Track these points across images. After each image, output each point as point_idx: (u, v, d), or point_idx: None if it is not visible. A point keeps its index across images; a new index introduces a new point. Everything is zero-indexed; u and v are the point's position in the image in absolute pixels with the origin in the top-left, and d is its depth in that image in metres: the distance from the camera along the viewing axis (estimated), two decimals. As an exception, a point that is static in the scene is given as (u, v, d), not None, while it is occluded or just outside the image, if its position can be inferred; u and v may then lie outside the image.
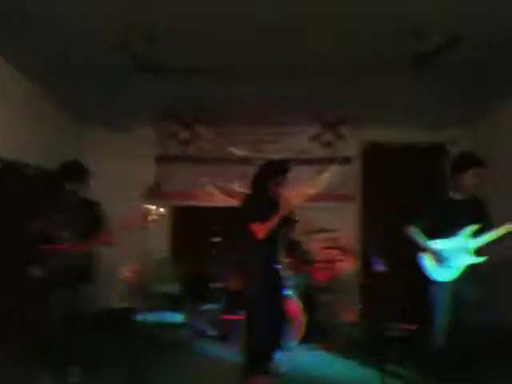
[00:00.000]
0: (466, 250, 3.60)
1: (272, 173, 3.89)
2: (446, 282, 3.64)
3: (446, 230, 3.70)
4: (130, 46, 4.60)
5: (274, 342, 3.97)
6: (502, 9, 4.13)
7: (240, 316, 4.79)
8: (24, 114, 5.06)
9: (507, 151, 5.43)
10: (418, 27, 4.58)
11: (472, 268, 3.60)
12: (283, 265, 4.02)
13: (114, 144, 6.42)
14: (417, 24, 4.52)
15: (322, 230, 5.40)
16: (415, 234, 3.81)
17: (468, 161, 3.74)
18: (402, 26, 4.53)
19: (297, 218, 4.04)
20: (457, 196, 3.77)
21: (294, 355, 4.20)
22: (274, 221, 3.71)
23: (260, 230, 3.71)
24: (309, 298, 4.99)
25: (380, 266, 3.91)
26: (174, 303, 5.48)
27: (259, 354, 3.84)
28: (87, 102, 6.05)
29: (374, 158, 6.55)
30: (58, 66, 5.33)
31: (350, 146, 6.54)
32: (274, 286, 3.90)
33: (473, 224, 3.59)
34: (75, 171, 4.03)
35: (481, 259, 3.57)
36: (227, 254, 5.37)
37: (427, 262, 3.77)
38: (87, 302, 4.06)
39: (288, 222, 3.94)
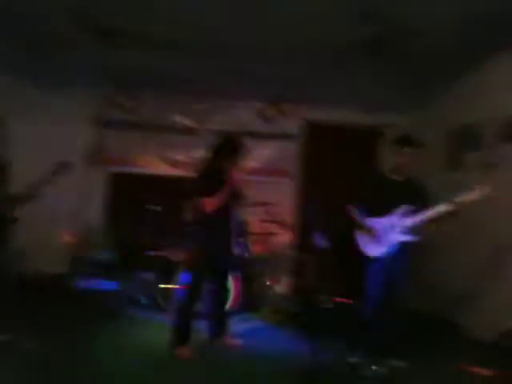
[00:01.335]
0: (399, 229, 3.77)
1: (229, 150, 3.96)
2: (379, 258, 3.82)
3: (382, 208, 3.84)
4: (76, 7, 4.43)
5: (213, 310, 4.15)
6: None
7: (174, 285, 4.91)
8: None
9: (438, 140, 5.74)
10: (364, 12, 4.71)
11: (405, 245, 3.78)
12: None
13: (52, 105, 6.15)
14: (363, 9, 4.64)
15: (260, 204, 5.49)
16: (353, 211, 3.99)
17: (401, 141, 3.95)
18: (349, 11, 4.64)
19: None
20: (394, 177, 3.94)
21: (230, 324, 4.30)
22: (223, 195, 3.81)
23: (209, 203, 3.80)
24: (244, 269, 5.12)
25: (323, 242, 4.04)
26: (109, 271, 5.44)
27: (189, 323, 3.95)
28: (28, 59, 5.78)
29: (314, 136, 6.72)
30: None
31: (292, 123, 6.67)
32: (222, 257, 4.05)
33: (408, 203, 3.74)
34: None
35: (412, 238, 3.75)
36: (165, 222, 5.39)
37: (362, 239, 3.96)
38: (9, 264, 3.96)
39: (236, 196, 4.03)
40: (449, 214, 3.58)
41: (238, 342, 4.15)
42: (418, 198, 3.77)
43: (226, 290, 4.30)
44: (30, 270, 5.18)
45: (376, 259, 3.83)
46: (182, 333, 3.89)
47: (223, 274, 4.20)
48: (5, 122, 3.91)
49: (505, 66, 4.71)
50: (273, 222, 5.38)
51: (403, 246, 3.77)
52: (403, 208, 3.75)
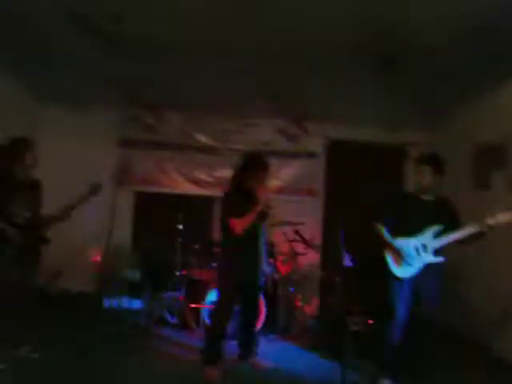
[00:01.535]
0: (427, 249, 3.73)
1: (254, 168, 3.95)
2: (405, 279, 3.78)
3: (408, 227, 3.81)
4: (94, 22, 4.49)
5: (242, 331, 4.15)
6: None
7: (201, 304, 4.91)
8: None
9: (464, 158, 5.71)
10: (385, 30, 4.73)
11: (432, 267, 3.74)
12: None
13: (76, 125, 6.24)
14: (385, 26, 4.67)
15: (286, 223, 5.49)
16: (380, 230, 3.96)
17: (421, 159, 3.95)
18: (370, 28, 4.67)
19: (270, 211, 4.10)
20: (422, 196, 3.92)
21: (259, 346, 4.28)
22: (252, 216, 3.79)
23: (238, 225, 3.78)
24: (271, 290, 5.10)
25: (349, 262, 4.03)
26: (135, 289, 5.45)
27: (220, 343, 3.93)
28: (48, 79, 5.88)
29: (338, 154, 6.73)
30: (16, 39, 5.14)
31: (315, 142, 6.69)
32: (251, 280, 4.03)
33: (436, 224, 3.70)
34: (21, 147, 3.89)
35: (440, 259, 3.72)
36: (192, 242, 5.41)
37: (389, 259, 3.93)
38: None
39: (264, 215, 4.01)
40: (477, 236, 3.53)
41: (267, 363, 4.12)
42: (447, 219, 3.72)
43: (254, 311, 4.27)
44: (59, 288, 5.22)
45: (403, 280, 3.78)
46: (211, 353, 3.88)
47: (252, 295, 4.17)
48: (35, 144, 3.98)
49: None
50: (299, 241, 5.36)
51: (432, 267, 3.71)
52: (432, 228, 3.71)
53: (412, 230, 3.79)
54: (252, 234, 3.92)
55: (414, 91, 6.03)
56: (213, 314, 3.98)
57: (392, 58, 5.25)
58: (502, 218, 3.42)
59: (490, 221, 3.44)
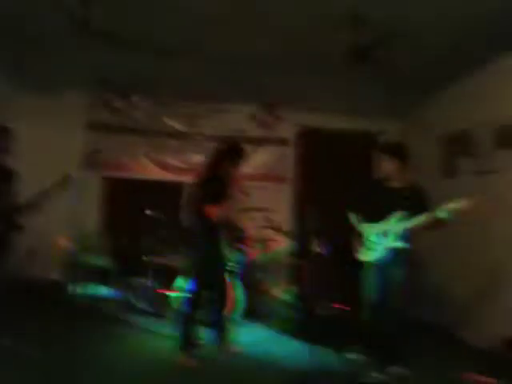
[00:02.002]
0: (389, 235, 3.78)
1: (232, 156, 4.01)
2: (372, 264, 3.85)
3: (377, 214, 3.87)
4: (66, 6, 4.38)
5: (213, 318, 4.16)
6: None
7: (171, 290, 4.89)
8: None
9: (432, 147, 5.81)
10: (356, 20, 4.75)
11: (400, 252, 3.80)
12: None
13: (43, 110, 6.06)
14: (353, 14, 4.69)
15: (256, 209, 5.50)
16: (351, 216, 4.03)
17: (383, 148, 4.06)
18: (344, 16, 4.68)
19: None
20: (391, 183, 3.96)
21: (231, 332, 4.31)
22: (229, 204, 3.87)
23: (215, 212, 3.82)
24: (242, 275, 5.12)
25: (323, 249, 4.07)
26: (103, 276, 5.39)
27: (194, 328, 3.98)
28: (17, 65, 5.75)
29: (310, 141, 6.74)
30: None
31: (286, 129, 6.68)
32: (219, 263, 4.06)
33: (403, 210, 3.75)
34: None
35: (404, 244, 3.78)
36: (162, 228, 5.36)
37: (357, 244, 3.99)
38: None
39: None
40: (437, 223, 3.57)
41: (239, 348, 4.15)
42: (416, 205, 3.75)
43: (224, 296, 4.27)
44: (26, 276, 5.11)
45: (370, 264, 3.86)
46: (186, 339, 3.91)
47: (222, 280, 4.20)
48: (11, 131, 3.88)
49: (500, 72, 4.76)
50: (270, 228, 5.39)
51: (398, 252, 3.78)
52: (398, 214, 3.77)
53: (379, 216, 3.86)
54: (223, 220, 3.97)
55: (385, 80, 6.09)
56: (188, 300, 3.97)
57: (364, 47, 5.28)
58: (452, 206, 3.45)
59: (440, 213, 3.49)
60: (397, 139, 6.14)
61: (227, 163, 3.98)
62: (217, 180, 3.93)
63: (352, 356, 3.95)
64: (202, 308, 4.04)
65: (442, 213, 3.48)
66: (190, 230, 4.07)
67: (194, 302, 3.96)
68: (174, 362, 3.79)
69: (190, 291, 3.99)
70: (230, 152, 4.05)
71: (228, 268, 4.36)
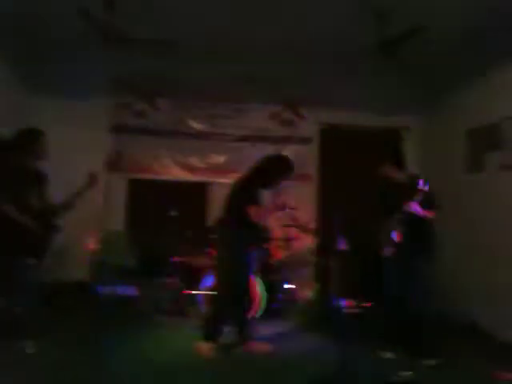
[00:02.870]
0: (401, 229, 3.76)
1: (284, 172, 4.16)
2: (390, 258, 3.84)
3: (392, 209, 3.86)
4: (89, 12, 4.46)
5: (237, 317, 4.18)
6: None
7: (196, 290, 4.92)
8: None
9: (457, 141, 5.72)
10: (381, 14, 4.72)
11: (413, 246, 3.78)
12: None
13: (69, 114, 6.15)
14: (377, 9, 4.66)
15: (281, 208, 5.47)
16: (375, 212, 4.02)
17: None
18: (363, 11, 4.66)
19: None
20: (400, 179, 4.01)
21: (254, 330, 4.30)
22: (269, 211, 4.05)
23: (256, 214, 3.92)
24: (267, 275, 5.11)
25: (343, 245, 4.05)
26: (130, 276, 5.44)
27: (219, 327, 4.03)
28: (41, 69, 5.92)
29: (332, 139, 6.69)
30: (12, 30, 5.10)
31: (309, 127, 6.65)
32: (247, 264, 4.10)
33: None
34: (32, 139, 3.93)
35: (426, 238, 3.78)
36: (186, 228, 5.39)
37: (383, 239, 3.94)
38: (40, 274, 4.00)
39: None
40: None
41: (265, 346, 4.15)
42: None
43: (249, 296, 4.33)
44: (54, 277, 5.20)
45: (388, 259, 3.86)
46: (210, 333, 3.99)
47: (248, 280, 4.22)
48: (44, 134, 3.96)
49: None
50: (294, 226, 5.37)
51: (411, 246, 3.76)
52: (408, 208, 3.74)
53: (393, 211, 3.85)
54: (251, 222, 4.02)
55: (410, 75, 6.04)
56: (213, 298, 4.02)
57: (389, 42, 5.24)
58: None
59: None
60: (421, 136, 6.11)
61: (276, 178, 4.10)
62: (259, 185, 4.03)
63: (378, 353, 3.91)
64: (227, 306, 4.05)
65: None
66: (219, 230, 4.11)
67: (220, 300, 3.99)
68: (197, 361, 3.80)
69: (215, 290, 4.01)
70: (281, 169, 4.15)
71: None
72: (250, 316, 4.36)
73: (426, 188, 3.53)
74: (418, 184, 3.56)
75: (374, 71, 6.03)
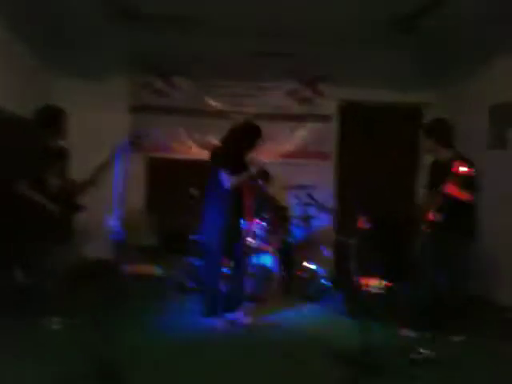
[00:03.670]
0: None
1: (253, 137, 4.19)
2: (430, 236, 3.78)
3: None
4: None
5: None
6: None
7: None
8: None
9: (476, 117, 5.61)
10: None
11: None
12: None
13: (87, 93, 6.21)
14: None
15: (299, 187, 5.49)
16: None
17: (422, 127, 4.16)
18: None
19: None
20: (438, 158, 3.95)
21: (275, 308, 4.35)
22: (243, 177, 4.07)
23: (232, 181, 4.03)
24: (287, 254, 5.14)
25: (365, 224, 4.04)
26: (152, 255, 5.51)
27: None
28: (60, 49, 5.98)
29: (351, 116, 6.61)
30: (29, 10, 5.11)
31: (327, 104, 6.58)
32: (234, 236, 4.22)
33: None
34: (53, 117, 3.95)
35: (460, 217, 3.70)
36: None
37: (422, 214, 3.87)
38: (66, 255, 4.07)
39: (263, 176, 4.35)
40: None
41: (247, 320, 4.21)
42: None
43: (242, 269, 4.38)
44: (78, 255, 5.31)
45: (425, 236, 3.80)
46: (211, 309, 4.16)
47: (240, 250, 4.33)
48: (65, 113, 3.98)
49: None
50: (313, 205, 5.36)
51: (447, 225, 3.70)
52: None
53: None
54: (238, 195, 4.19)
55: (431, 51, 5.91)
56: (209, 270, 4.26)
57: (410, 17, 5.14)
58: None
59: None
60: (442, 111, 5.99)
61: (248, 144, 4.16)
62: (231, 154, 4.11)
63: (402, 331, 3.92)
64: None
65: None
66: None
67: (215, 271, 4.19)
68: (220, 339, 3.88)
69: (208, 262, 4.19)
70: (252, 135, 4.21)
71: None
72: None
73: (465, 170, 3.41)
74: (453, 166, 3.47)
75: (396, 46, 5.92)
